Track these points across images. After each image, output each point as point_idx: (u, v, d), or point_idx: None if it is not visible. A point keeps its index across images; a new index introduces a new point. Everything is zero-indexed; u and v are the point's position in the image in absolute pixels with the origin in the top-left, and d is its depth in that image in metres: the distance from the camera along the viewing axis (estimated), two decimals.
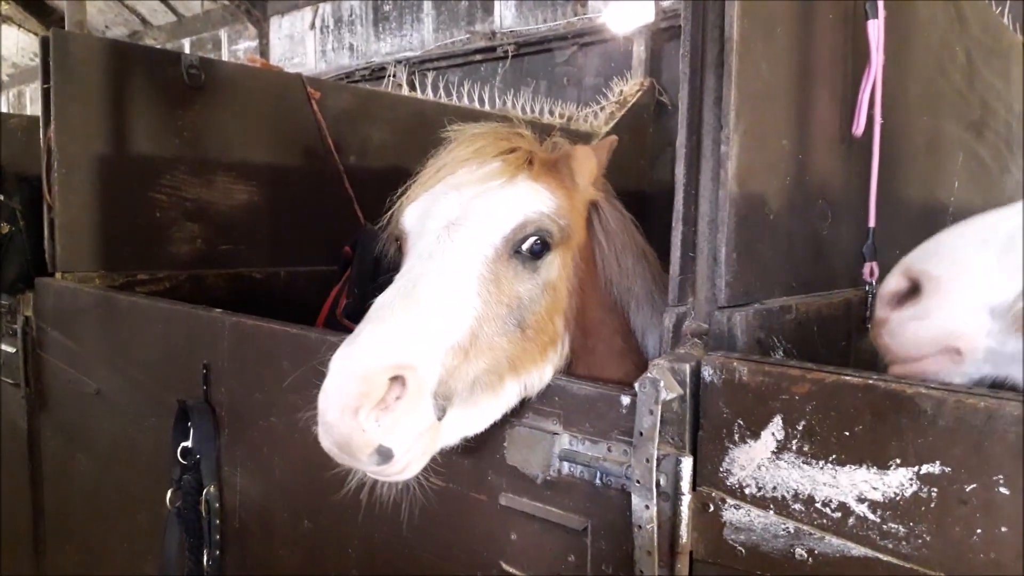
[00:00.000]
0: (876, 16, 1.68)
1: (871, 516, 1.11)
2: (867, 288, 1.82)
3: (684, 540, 1.29)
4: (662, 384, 1.27)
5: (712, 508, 1.26)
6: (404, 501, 1.61)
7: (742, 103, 1.40)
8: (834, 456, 1.14)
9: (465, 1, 11.54)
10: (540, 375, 1.54)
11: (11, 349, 3.26)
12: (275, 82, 4.06)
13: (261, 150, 3.90)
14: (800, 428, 1.17)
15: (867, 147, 1.79)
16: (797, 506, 1.18)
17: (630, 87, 7.45)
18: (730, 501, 1.24)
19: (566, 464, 1.48)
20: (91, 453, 2.93)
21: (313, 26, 14.01)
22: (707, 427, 1.28)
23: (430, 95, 7.54)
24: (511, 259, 1.53)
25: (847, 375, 1.15)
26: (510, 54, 10.71)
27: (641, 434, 1.30)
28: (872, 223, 1.81)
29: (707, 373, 1.28)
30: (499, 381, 1.45)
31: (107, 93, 3.31)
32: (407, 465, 1.33)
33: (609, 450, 1.40)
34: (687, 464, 1.28)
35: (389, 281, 1.49)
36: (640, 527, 1.30)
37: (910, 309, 1.31)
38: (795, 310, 1.59)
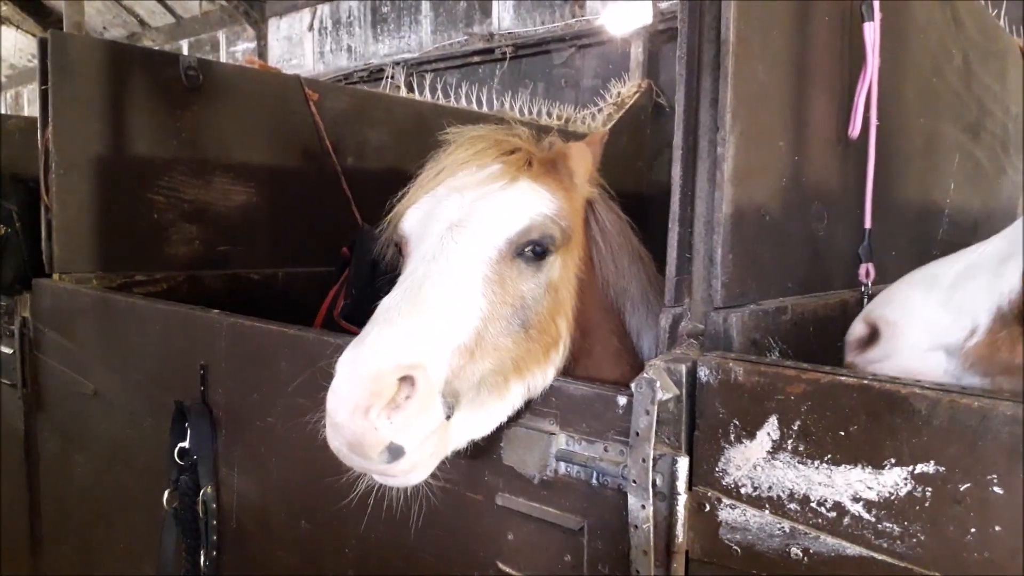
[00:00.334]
0: (872, 18, 1.69)
1: (866, 515, 1.11)
2: (863, 289, 1.83)
3: (680, 540, 1.29)
4: (658, 384, 1.27)
5: (708, 508, 1.27)
6: (401, 502, 1.61)
7: (738, 104, 1.40)
8: (829, 456, 1.14)
9: (463, 2, 11.54)
10: (543, 376, 1.54)
11: (8, 350, 3.26)
12: (273, 83, 4.06)
13: (259, 151, 3.90)
14: (795, 428, 1.17)
15: (863, 149, 1.79)
16: (792, 506, 1.18)
17: (628, 89, 7.48)
18: (726, 501, 1.25)
19: (563, 464, 1.48)
20: (88, 454, 2.93)
21: (311, 27, 14.01)
22: (703, 427, 1.28)
23: (428, 97, 7.56)
24: (514, 260, 1.54)
25: (842, 375, 1.16)
26: (508, 56, 10.72)
27: (637, 434, 1.30)
28: (868, 224, 1.82)
29: (703, 373, 1.29)
30: (504, 382, 1.46)
31: (105, 94, 3.31)
32: (415, 465, 1.32)
33: (605, 450, 1.40)
34: (683, 464, 1.29)
35: (387, 284, 1.50)
36: (636, 527, 1.31)
37: (872, 353, 1.42)
38: (791, 311, 1.60)
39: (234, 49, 15.29)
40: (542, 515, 1.52)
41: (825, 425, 1.15)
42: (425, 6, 12.12)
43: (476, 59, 11.24)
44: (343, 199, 4.18)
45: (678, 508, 1.29)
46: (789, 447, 1.18)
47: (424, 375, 1.28)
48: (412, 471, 1.33)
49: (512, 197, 1.59)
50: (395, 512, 1.64)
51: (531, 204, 1.59)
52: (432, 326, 1.36)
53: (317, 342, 1.95)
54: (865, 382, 1.13)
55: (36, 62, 3.21)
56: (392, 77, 10.48)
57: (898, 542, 1.08)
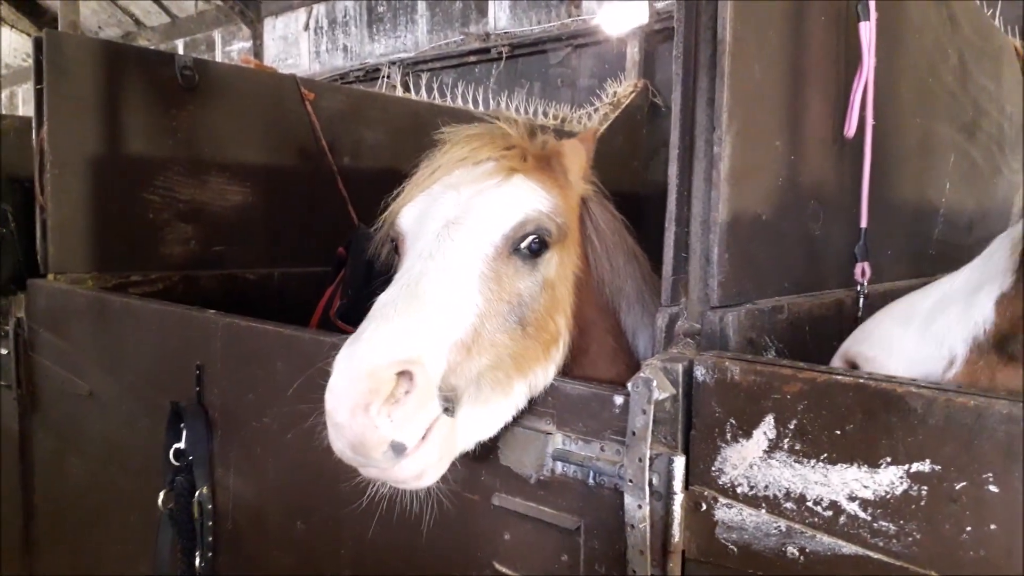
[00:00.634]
0: (868, 18, 1.69)
1: (862, 514, 1.11)
2: (859, 288, 1.83)
3: (676, 539, 1.29)
4: (655, 384, 1.27)
5: (704, 507, 1.27)
6: (397, 502, 1.61)
7: (735, 104, 1.40)
8: (825, 455, 1.14)
9: (459, 2, 11.54)
10: (544, 374, 1.54)
11: (3, 351, 3.25)
12: (269, 83, 4.06)
13: (255, 151, 3.89)
14: (792, 427, 1.18)
15: (859, 148, 1.80)
16: (789, 505, 1.18)
17: (624, 88, 7.47)
18: (722, 500, 1.25)
19: (559, 464, 1.48)
20: (84, 455, 2.92)
21: (307, 27, 13.99)
22: (699, 426, 1.28)
23: (424, 96, 7.55)
24: (511, 257, 1.54)
25: (838, 374, 1.16)
26: (504, 55, 10.71)
27: (634, 434, 1.30)
28: (864, 224, 1.82)
29: (699, 373, 1.29)
30: (507, 379, 1.45)
31: (100, 94, 3.30)
32: (424, 471, 1.32)
33: (602, 450, 1.40)
34: (679, 463, 1.28)
35: (384, 283, 1.50)
36: (633, 526, 1.30)
37: None
38: (787, 310, 1.60)
39: (230, 49, 15.26)
40: (539, 515, 1.52)
41: (821, 424, 1.15)
42: (421, 6, 12.11)
43: (472, 59, 11.23)
44: (339, 199, 4.17)
45: (674, 507, 1.29)
46: (785, 446, 1.18)
47: (422, 370, 1.28)
48: (420, 477, 1.32)
49: (507, 193, 1.59)
50: (392, 513, 1.64)
51: (526, 200, 1.59)
52: (429, 322, 1.35)
53: (313, 342, 1.94)
54: (861, 381, 1.13)
55: (31, 61, 3.20)
56: (388, 77, 10.48)
57: (894, 541, 1.08)
